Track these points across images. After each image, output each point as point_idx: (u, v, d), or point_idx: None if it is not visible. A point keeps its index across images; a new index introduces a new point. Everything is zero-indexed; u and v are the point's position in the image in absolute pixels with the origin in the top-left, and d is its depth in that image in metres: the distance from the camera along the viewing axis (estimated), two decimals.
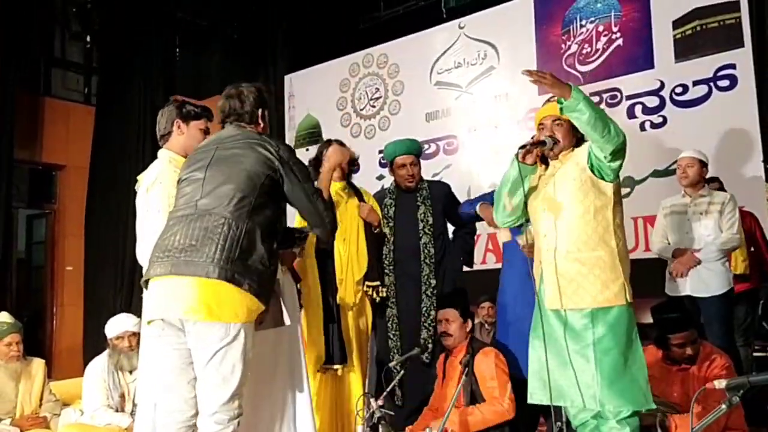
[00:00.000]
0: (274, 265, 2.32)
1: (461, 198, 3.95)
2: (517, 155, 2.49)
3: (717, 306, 3.59)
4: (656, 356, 3.08)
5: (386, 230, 3.57)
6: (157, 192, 2.50)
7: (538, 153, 2.54)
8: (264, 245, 2.23)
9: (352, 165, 3.53)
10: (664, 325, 3.08)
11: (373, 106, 6.97)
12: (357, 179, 3.73)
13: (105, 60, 7.29)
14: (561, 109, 2.35)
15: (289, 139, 7.50)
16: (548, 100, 2.65)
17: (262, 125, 2.46)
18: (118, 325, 3.70)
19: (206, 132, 2.69)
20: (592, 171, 2.47)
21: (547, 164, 2.61)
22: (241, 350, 2.15)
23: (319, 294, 3.24)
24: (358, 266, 3.33)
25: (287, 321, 2.50)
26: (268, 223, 2.28)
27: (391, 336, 3.51)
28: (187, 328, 2.17)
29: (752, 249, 4.48)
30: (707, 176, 4.27)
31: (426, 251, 3.51)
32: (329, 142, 3.52)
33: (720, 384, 1.64)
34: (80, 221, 7.18)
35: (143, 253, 2.44)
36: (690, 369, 2.97)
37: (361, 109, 7.07)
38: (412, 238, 3.55)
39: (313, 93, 7.38)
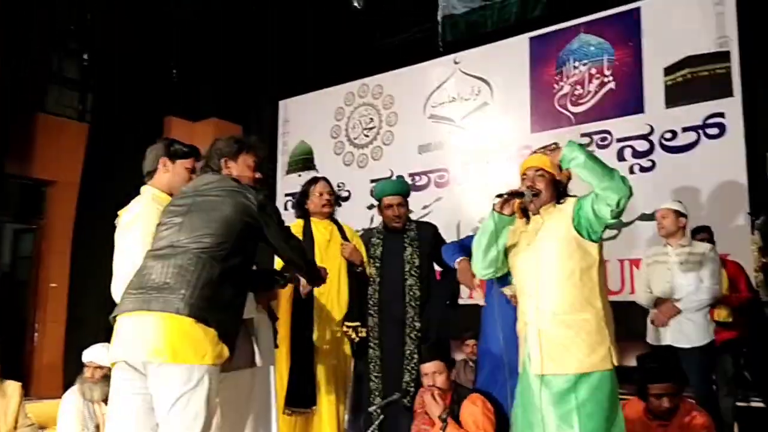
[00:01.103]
0: (240, 312, 2.32)
1: (449, 233, 3.95)
2: (494, 205, 2.45)
3: (697, 357, 3.58)
4: (638, 410, 3.06)
5: (372, 270, 3.55)
6: (138, 229, 2.49)
7: (518, 205, 2.47)
8: (234, 290, 2.25)
9: (337, 201, 3.53)
10: (645, 374, 3.07)
11: (367, 136, 7.00)
12: (349, 207, 3.73)
13: (101, 78, 7.30)
14: (560, 165, 2.41)
15: (282, 164, 7.52)
16: (534, 152, 2.63)
17: (230, 171, 2.51)
18: (88, 353, 3.69)
19: (193, 171, 2.70)
20: (579, 231, 2.42)
21: (528, 218, 2.54)
22: (204, 396, 2.12)
23: (288, 333, 3.20)
24: (338, 306, 3.31)
25: (258, 362, 2.48)
26: (240, 270, 2.29)
27: (373, 378, 3.46)
28: (150, 370, 2.13)
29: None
30: (697, 226, 4.32)
31: (411, 293, 3.49)
32: (316, 179, 3.52)
33: None
34: (68, 238, 7.13)
35: (117, 289, 2.43)
36: (669, 425, 2.95)
37: (355, 138, 7.10)
38: (398, 279, 3.52)
39: (308, 120, 7.42)
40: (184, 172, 2.70)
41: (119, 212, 2.69)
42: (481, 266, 2.59)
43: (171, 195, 2.57)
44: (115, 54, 7.10)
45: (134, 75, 7.14)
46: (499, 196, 2.45)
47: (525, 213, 2.52)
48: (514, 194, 2.45)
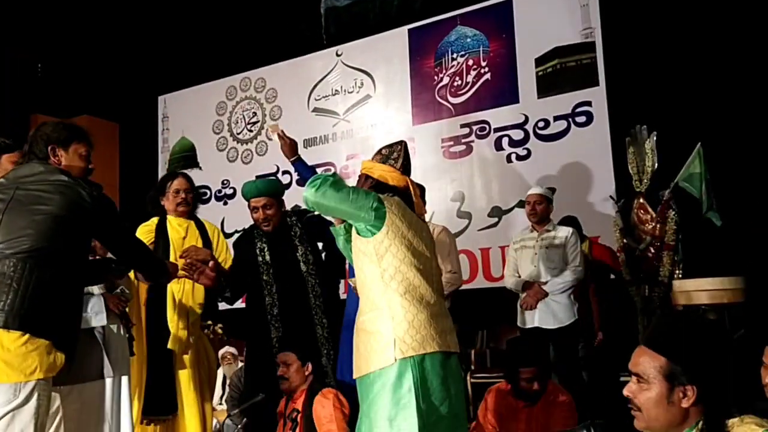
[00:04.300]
0: (78, 314, 2.15)
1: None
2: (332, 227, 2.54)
3: (563, 337, 3.72)
4: (503, 392, 3.13)
5: (265, 277, 3.27)
6: None
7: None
8: (66, 293, 2.08)
9: (196, 198, 3.37)
10: (515, 358, 3.13)
11: (251, 131, 6.82)
12: (236, 205, 3.52)
13: None
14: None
15: (163, 161, 7.20)
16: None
17: (57, 160, 2.30)
18: None
19: (17, 163, 2.46)
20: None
21: None
22: (32, 413, 1.95)
23: (144, 339, 3.05)
24: (195, 305, 3.15)
25: (108, 373, 2.32)
26: (71, 270, 2.12)
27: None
28: None
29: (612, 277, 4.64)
30: (565, 216, 4.47)
31: (314, 292, 3.28)
32: (174, 175, 3.35)
33: None
34: None
35: None
36: (534, 407, 3.03)
37: (238, 133, 6.90)
38: (298, 283, 3.28)
39: (188, 115, 7.14)
40: (8, 165, 2.47)
41: None
42: None
43: None
44: None
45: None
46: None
47: None
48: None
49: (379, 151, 2.48)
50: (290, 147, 3.67)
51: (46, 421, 2.03)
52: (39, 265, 2.02)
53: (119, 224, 2.29)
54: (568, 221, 4.34)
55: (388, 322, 2.18)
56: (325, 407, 2.89)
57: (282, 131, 3.68)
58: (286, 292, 3.26)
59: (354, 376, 2.31)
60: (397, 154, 2.42)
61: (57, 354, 1.99)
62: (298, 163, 3.69)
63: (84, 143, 2.35)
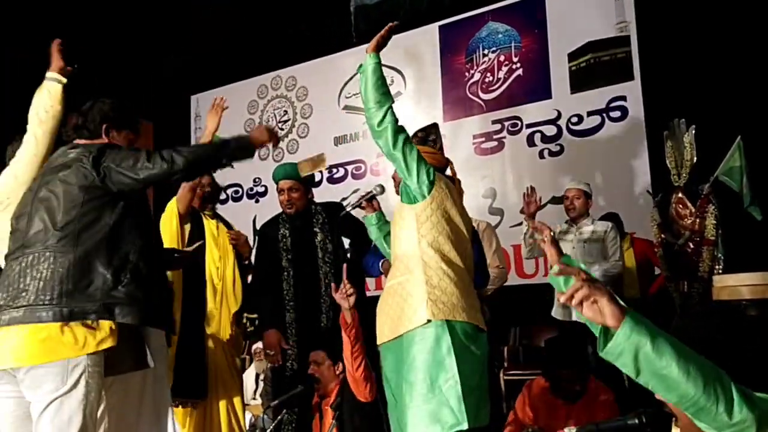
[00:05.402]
0: (135, 277, 2.09)
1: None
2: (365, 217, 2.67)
3: None
4: (543, 387, 3.09)
5: (284, 263, 3.37)
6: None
7: (375, 203, 2.70)
8: (107, 264, 2.04)
9: (217, 195, 3.39)
10: (554, 359, 3.10)
11: (282, 129, 6.86)
12: (267, 203, 3.56)
13: None
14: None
15: None
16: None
17: (107, 141, 2.25)
18: None
19: None
20: (403, 198, 2.44)
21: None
22: (80, 400, 1.97)
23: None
24: (234, 298, 3.18)
25: (151, 363, 2.34)
26: (108, 240, 2.07)
27: (290, 375, 3.30)
28: (20, 376, 1.98)
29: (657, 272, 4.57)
30: (607, 213, 4.43)
31: (326, 281, 3.34)
32: None
33: (570, 431, 1.62)
34: None
35: None
36: (575, 405, 2.99)
37: None
38: (312, 268, 3.37)
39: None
40: None
41: None
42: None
43: None
44: None
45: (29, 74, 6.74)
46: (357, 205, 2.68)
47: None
48: (368, 198, 2.67)
49: (415, 134, 2.51)
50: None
51: (96, 410, 2.05)
52: (66, 248, 2.00)
53: (129, 151, 2.13)
54: (609, 218, 4.29)
55: (422, 285, 2.23)
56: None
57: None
58: (300, 278, 3.36)
59: (382, 341, 2.34)
60: (434, 135, 2.49)
61: (106, 330, 1.99)
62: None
63: (134, 131, 2.35)
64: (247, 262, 3.33)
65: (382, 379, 2.44)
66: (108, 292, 2.03)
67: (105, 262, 2.05)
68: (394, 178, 2.77)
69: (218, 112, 3.07)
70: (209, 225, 3.26)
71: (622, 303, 1.23)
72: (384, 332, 2.32)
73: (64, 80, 2.44)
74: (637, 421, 1.55)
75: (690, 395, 1.17)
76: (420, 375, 2.16)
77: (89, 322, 1.98)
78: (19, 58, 6.45)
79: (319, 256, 3.38)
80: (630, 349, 1.18)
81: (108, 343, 2.02)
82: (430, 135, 2.53)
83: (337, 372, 3.08)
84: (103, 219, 2.06)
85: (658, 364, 1.17)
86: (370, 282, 5.41)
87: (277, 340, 3.27)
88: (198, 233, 3.17)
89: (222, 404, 3.08)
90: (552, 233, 1.84)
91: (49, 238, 2.02)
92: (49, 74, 2.46)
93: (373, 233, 2.66)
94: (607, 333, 1.25)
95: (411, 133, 2.53)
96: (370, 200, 2.64)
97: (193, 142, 7.33)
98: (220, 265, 3.18)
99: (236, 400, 3.12)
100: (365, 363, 2.77)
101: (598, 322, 1.24)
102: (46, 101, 2.40)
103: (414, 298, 2.23)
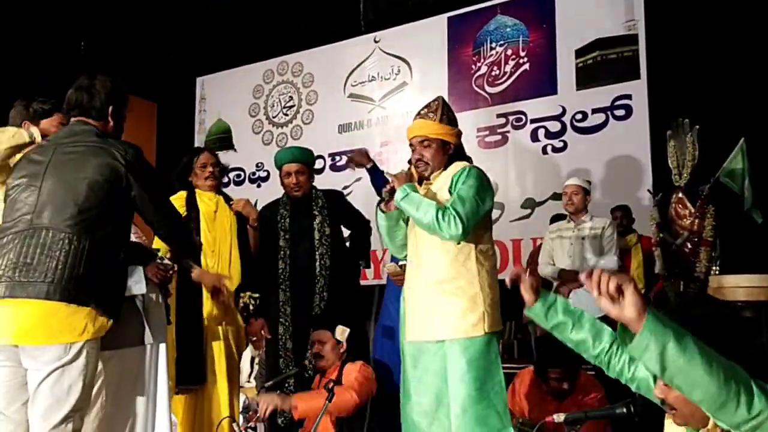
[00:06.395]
0: (122, 281, 2.19)
1: (369, 213, 3.82)
2: (379, 208, 2.55)
3: None
4: (533, 383, 3.12)
5: (281, 243, 3.44)
6: None
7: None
8: (110, 259, 2.11)
9: (222, 173, 3.41)
10: (544, 358, 3.12)
11: (286, 115, 6.87)
12: (270, 188, 3.59)
13: None
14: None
15: (199, 142, 7.30)
16: (418, 115, 2.55)
17: (111, 123, 2.26)
18: None
19: (64, 126, 2.47)
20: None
21: (421, 184, 2.57)
22: (80, 370, 2.00)
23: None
24: (229, 280, 3.19)
25: (149, 339, 2.37)
26: (113, 236, 2.14)
27: (282, 355, 3.36)
28: (23, 350, 2.01)
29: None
30: (617, 205, 4.46)
31: (322, 262, 3.38)
32: (199, 150, 3.43)
33: (559, 418, 1.65)
34: None
35: None
36: (565, 401, 3.02)
37: (274, 117, 6.95)
38: (309, 249, 3.41)
39: (225, 97, 7.22)
40: (54, 130, 2.46)
41: None
42: (397, 253, 2.68)
43: None
44: None
45: (39, 49, 6.74)
46: (381, 201, 2.55)
47: (420, 181, 2.54)
48: (390, 193, 2.50)
49: (425, 114, 2.48)
50: (364, 154, 3.75)
51: (94, 381, 2.09)
52: (79, 235, 2.03)
53: (156, 187, 2.23)
54: (621, 210, 4.31)
55: (478, 293, 2.34)
56: (351, 372, 2.96)
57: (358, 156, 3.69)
58: (296, 258, 3.40)
59: (416, 338, 2.39)
60: (447, 109, 2.49)
61: (101, 318, 2.04)
62: (375, 172, 3.64)
63: (127, 104, 2.35)
64: (256, 225, 3.34)
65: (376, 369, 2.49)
66: (104, 284, 2.08)
67: (113, 254, 2.12)
68: (409, 162, 2.67)
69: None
70: (205, 204, 3.25)
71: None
72: (425, 331, 2.39)
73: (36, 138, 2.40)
74: (625, 410, 1.58)
75: (713, 391, 1.15)
76: (471, 381, 2.30)
77: (92, 308, 2.02)
78: (19, 58, 6.49)
79: (316, 237, 3.41)
80: (657, 342, 1.16)
81: (105, 330, 2.08)
82: (443, 111, 2.47)
83: (341, 351, 3.12)
84: (113, 217, 2.14)
85: (683, 359, 1.15)
86: (368, 272, 5.45)
87: (259, 328, 3.39)
88: (194, 213, 3.17)
89: (215, 387, 3.09)
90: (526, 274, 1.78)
91: (67, 219, 2.04)
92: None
93: (384, 225, 2.59)
94: (625, 330, 1.24)
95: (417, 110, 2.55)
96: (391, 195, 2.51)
97: (196, 124, 7.35)
98: (216, 248, 3.19)
99: (231, 383, 3.14)
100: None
101: (614, 315, 1.21)
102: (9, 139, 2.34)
103: (470, 305, 2.34)
